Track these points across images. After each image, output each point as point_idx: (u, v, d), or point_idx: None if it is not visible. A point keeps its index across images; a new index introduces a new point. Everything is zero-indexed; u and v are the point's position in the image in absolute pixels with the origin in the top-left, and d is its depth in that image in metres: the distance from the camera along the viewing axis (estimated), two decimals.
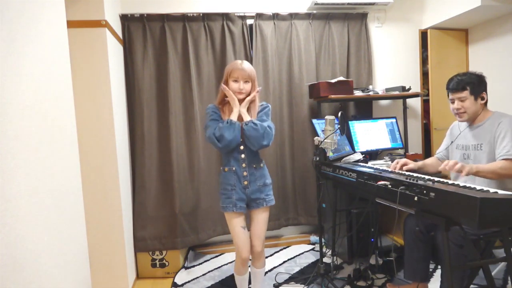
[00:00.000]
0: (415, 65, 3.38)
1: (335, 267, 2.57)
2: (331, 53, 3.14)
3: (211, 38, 2.94)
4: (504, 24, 3.00)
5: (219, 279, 2.63)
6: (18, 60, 1.10)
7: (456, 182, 1.61)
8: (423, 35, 3.35)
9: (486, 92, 1.99)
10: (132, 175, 2.82)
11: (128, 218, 2.62)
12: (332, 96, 2.78)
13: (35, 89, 1.20)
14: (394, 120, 3.14)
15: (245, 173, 1.95)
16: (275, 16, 3.02)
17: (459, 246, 1.76)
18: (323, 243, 2.68)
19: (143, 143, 2.82)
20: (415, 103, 3.38)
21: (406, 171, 2.06)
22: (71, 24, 2.08)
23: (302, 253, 3.04)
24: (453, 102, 2.02)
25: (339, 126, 2.12)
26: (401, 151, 3.15)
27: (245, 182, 1.95)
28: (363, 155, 2.68)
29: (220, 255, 3.08)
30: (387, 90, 3.07)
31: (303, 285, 2.46)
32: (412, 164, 2.09)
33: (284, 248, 3.17)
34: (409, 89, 3.03)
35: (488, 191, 1.41)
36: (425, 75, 3.42)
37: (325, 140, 2.14)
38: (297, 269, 2.74)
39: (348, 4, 3.01)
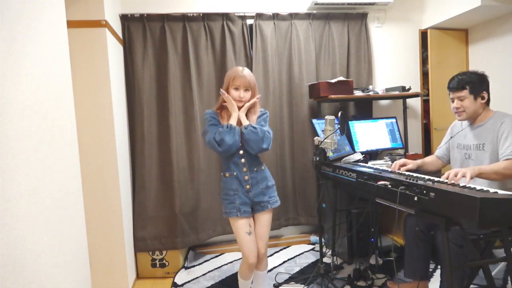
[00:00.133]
0: (415, 65, 3.38)
1: (335, 267, 2.57)
2: (331, 53, 3.14)
3: (211, 38, 2.94)
4: (504, 24, 3.00)
5: (219, 279, 2.63)
6: (18, 60, 1.10)
7: (456, 182, 1.61)
8: (423, 35, 3.35)
9: (488, 92, 1.98)
10: (132, 175, 2.82)
11: (128, 218, 2.62)
12: (332, 96, 2.78)
13: (35, 89, 1.20)
14: (394, 120, 3.14)
15: (246, 177, 1.95)
16: (275, 16, 3.02)
17: (459, 246, 1.76)
18: (323, 243, 2.68)
19: (143, 143, 2.82)
20: (415, 103, 3.38)
21: (406, 171, 2.06)
22: (71, 24, 2.08)
23: (302, 253, 3.04)
24: (453, 101, 2.03)
25: (339, 126, 2.12)
26: (401, 151, 3.15)
27: (247, 186, 1.95)
28: (363, 155, 2.68)
29: (220, 255, 3.08)
30: (387, 90, 3.07)
31: (303, 285, 2.46)
32: (411, 165, 2.08)
33: (284, 248, 3.17)
34: (409, 89, 3.03)
35: (488, 191, 1.41)
36: (425, 75, 3.42)
37: (325, 140, 2.14)
38: (297, 269, 2.74)
39: (348, 4, 3.01)
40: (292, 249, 3.14)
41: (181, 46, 2.89)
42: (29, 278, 1.08)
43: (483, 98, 1.96)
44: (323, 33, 3.13)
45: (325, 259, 2.70)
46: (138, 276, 2.78)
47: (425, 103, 3.44)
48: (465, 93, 1.95)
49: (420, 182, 1.54)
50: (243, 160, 1.95)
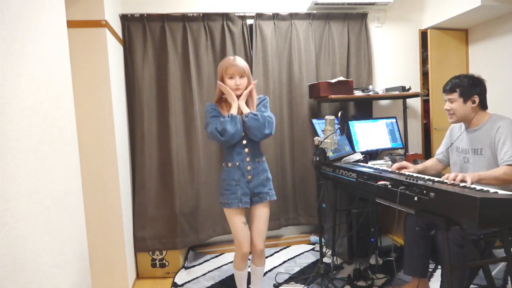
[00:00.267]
0: (415, 65, 3.38)
1: (335, 267, 2.57)
2: (331, 53, 3.14)
3: (211, 38, 2.94)
4: (504, 24, 3.00)
5: (219, 279, 2.63)
6: (18, 60, 1.10)
7: (456, 182, 1.61)
8: (423, 35, 3.35)
9: (481, 96, 1.97)
10: (132, 175, 2.82)
11: (128, 218, 2.62)
12: (332, 96, 2.78)
13: (35, 89, 1.20)
14: (394, 120, 3.14)
15: (249, 167, 1.96)
16: (275, 16, 3.02)
17: (459, 246, 1.76)
18: (323, 243, 2.68)
19: (143, 143, 2.82)
20: (415, 103, 3.38)
21: None
22: (71, 24, 2.07)
23: (302, 253, 3.04)
24: (445, 103, 2.07)
25: (339, 126, 2.12)
26: (401, 151, 3.15)
27: (249, 177, 1.96)
28: (363, 155, 2.68)
29: (220, 255, 3.07)
30: (387, 90, 3.07)
31: (303, 285, 2.46)
32: (412, 169, 2.08)
33: (284, 248, 3.17)
34: (409, 89, 3.03)
35: (488, 191, 1.41)
36: (425, 75, 3.42)
37: (325, 140, 2.14)
38: (297, 269, 2.74)
39: (348, 4, 3.01)
40: (292, 249, 3.14)
41: (181, 46, 2.89)
42: (29, 278, 1.08)
43: (473, 102, 1.96)
44: (323, 33, 3.13)
45: (325, 259, 2.70)
46: (138, 276, 2.78)
47: (425, 103, 3.44)
48: (455, 95, 1.98)
49: (420, 182, 1.54)
50: (246, 150, 1.96)
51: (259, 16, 2.99)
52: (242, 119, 1.91)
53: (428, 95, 3.37)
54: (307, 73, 3.08)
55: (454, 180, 1.63)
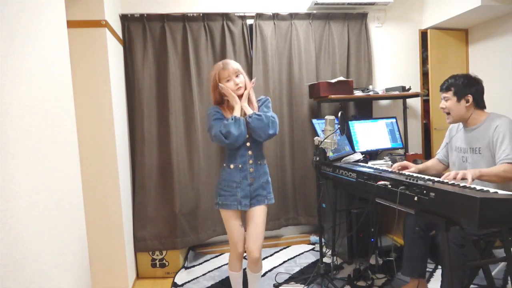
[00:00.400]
0: (415, 65, 3.38)
1: (335, 267, 2.57)
2: (331, 53, 3.14)
3: (211, 38, 2.94)
4: (504, 24, 3.00)
5: (219, 279, 2.63)
6: (18, 60, 1.10)
7: (456, 182, 1.61)
8: (423, 35, 3.35)
9: (476, 95, 1.98)
10: (132, 175, 2.82)
11: (128, 218, 2.62)
12: (332, 96, 2.78)
13: (35, 89, 1.20)
14: (394, 120, 3.14)
15: (251, 170, 1.95)
16: (275, 16, 3.02)
17: (459, 246, 1.76)
18: (323, 243, 2.68)
19: (143, 143, 2.82)
20: (415, 103, 3.38)
21: None
22: (71, 24, 2.07)
23: (302, 253, 3.04)
24: (441, 102, 2.10)
25: (339, 126, 2.12)
26: (401, 151, 3.15)
27: (251, 179, 1.95)
28: (363, 155, 2.68)
29: (220, 255, 3.07)
30: (387, 90, 3.07)
31: (303, 285, 2.46)
32: (413, 168, 2.09)
33: (284, 248, 3.17)
34: (409, 89, 3.03)
35: (488, 191, 1.41)
36: (425, 75, 3.42)
37: (325, 140, 2.14)
38: (297, 269, 2.74)
39: (348, 4, 3.01)
40: (292, 249, 3.14)
41: (181, 46, 2.89)
42: (29, 278, 1.08)
43: (467, 101, 1.98)
44: (323, 33, 3.13)
45: (325, 259, 2.70)
46: (138, 276, 2.78)
47: (425, 103, 3.43)
48: (449, 94, 2.02)
49: (420, 182, 1.54)
50: (250, 152, 1.95)
51: (259, 16, 2.99)
52: (246, 120, 1.90)
53: (428, 95, 3.37)
54: (307, 73, 3.08)
55: (455, 178, 1.64)
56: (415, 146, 3.39)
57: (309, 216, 3.16)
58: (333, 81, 2.82)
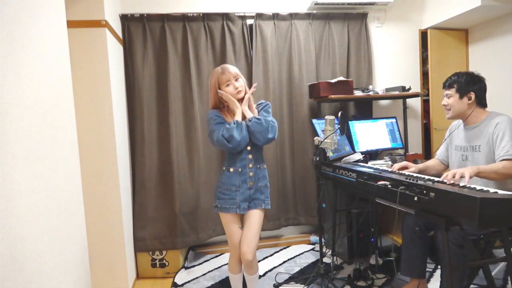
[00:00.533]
0: (415, 65, 3.38)
1: (335, 267, 2.57)
2: (331, 53, 3.14)
3: (211, 38, 2.94)
4: (504, 24, 3.00)
5: (219, 279, 2.63)
6: (18, 60, 1.10)
7: (455, 182, 1.61)
8: (423, 35, 3.35)
9: (478, 93, 1.99)
10: (132, 175, 2.82)
11: (128, 218, 2.62)
12: (332, 96, 2.78)
13: (35, 89, 1.20)
14: (394, 120, 3.14)
15: (251, 174, 1.95)
16: (275, 16, 3.02)
17: (459, 246, 1.76)
18: (323, 243, 2.68)
19: (143, 143, 2.82)
20: (415, 103, 3.38)
21: None
22: (71, 24, 2.07)
23: (302, 253, 3.04)
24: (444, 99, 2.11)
25: (339, 126, 2.12)
26: (401, 151, 3.15)
27: (251, 183, 1.95)
28: (363, 155, 2.68)
29: (220, 255, 3.07)
30: (387, 90, 3.07)
31: (303, 285, 2.46)
32: (413, 168, 2.09)
33: (284, 248, 3.17)
34: (409, 89, 3.03)
35: (488, 191, 1.41)
36: (425, 75, 3.42)
37: (325, 140, 2.14)
38: (297, 269, 2.74)
39: (348, 4, 3.01)
40: (292, 249, 3.14)
41: (181, 46, 2.89)
42: (29, 278, 1.08)
43: (469, 98, 1.99)
44: (323, 33, 3.13)
45: (325, 259, 2.70)
46: (138, 276, 2.78)
47: (425, 103, 3.44)
48: (452, 91, 2.03)
49: (420, 182, 1.54)
50: (250, 156, 1.95)
51: (259, 16, 2.99)
52: (246, 123, 1.91)
53: (428, 95, 3.37)
54: (307, 73, 3.08)
55: (453, 177, 1.64)
56: (415, 146, 3.39)
57: (309, 216, 3.16)
58: (333, 81, 2.82)
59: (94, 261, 2.15)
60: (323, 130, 2.20)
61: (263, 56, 3.02)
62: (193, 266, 2.87)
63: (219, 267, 2.84)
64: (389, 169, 2.06)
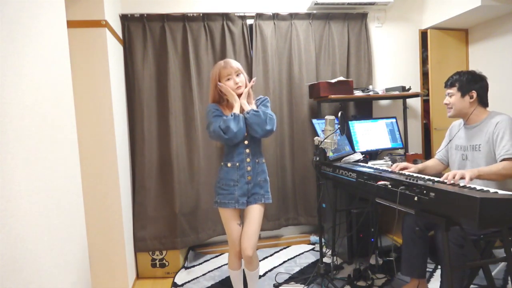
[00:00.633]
0: (415, 65, 3.38)
1: (335, 267, 2.57)
2: (331, 53, 3.14)
3: (211, 38, 2.94)
4: (504, 24, 3.00)
5: (219, 279, 2.63)
6: (18, 60, 1.10)
7: (456, 182, 1.61)
8: (423, 35, 3.35)
9: (480, 91, 1.99)
10: (132, 175, 2.82)
11: (128, 218, 2.62)
12: (332, 96, 2.78)
13: (35, 89, 1.20)
14: (394, 120, 3.14)
15: (249, 168, 1.95)
16: (275, 16, 3.02)
17: (459, 246, 1.76)
18: (323, 243, 2.68)
19: (143, 143, 2.82)
20: (415, 103, 3.38)
21: None
22: (71, 24, 2.07)
23: (302, 253, 3.04)
24: (445, 98, 2.11)
25: (339, 126, 2.12)
26: (401, 151, 3.15)
27: (249, 178, 1.95)
28: (363, 155, 2.68)
29: (220, 255, 3.07)
30: (387, 90, 3.07)
31: (303, 285, 2.46)
32: (413, 168, 2.09)
33: (284, 248, 3.17)
34: (409, 89, 3.03)
35: (488, 191, 1.41)
36: (425, 75, 3.42)
37: (325, 140, 2.14)
38: (297, 269, 2.74)
39: (348, 4, 3.01)
40: (292, 249, 3.14)
41: (181, 46, 2.89)
42: (29, 278, 1.08)
43: (471, 97, 2.00)
44: (323, 33, 3.13)
45: (325, 259, 2.70)
46: (138, 276, 2.78)
47: (425, 103, 3.44)
48: (453, 90, 2.04)
49: (420, 182, 1.54)
50: (247, 150, 1.96)
51: (259, 16, 2.99)
52: (244, 116, 1.92)
53: (428, 95, 3.37)
54: (307, 73, 3.08)
55: (454, 177, 1.64)
56: (415, 146, 3.39)
57: (309, 216, 3.16)
58: (333, 81, 2.82)
59: (94, 261, 2.15)
60: (323, 130, 2.20)
61: (263, 56, 3.02)
62: (193, 266, 2.87)
63: (219, 267, 2.84)
64: (389, 169, 2.06)
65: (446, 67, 3.29)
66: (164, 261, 2.81)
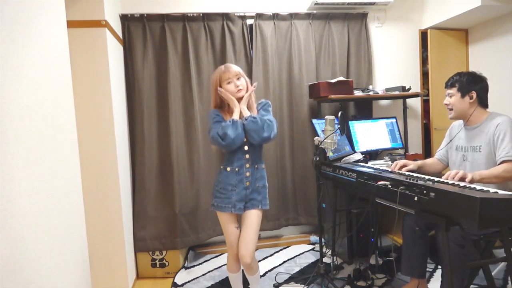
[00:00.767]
0: (415, 65, 3.38)
1: (335, 267, 2.57)
2: (331, 53, 3.14)
3: (211, 38, 2.94)
4: (504, 24, 3.00)
5: (219, 279, 2.63)
6: (18, 60, 1.10)
7: (456, 182, 1.61)
8: (423, 35, 3.35)
9: (480, 92, 1.99)
10: (132, 175, 2.82)
11: (128, 218, 2.62)
12: (332, 96, 2.78)
13: (35, 89, 1.20)
14: (394, 120, 3.14)
15: (248, 174, 1.95)
16: (275, 16, 3.02)
17: (460, 246, 1.76)
18: (323, 243, 2.68)
19: (143, 143, 2.82)
20: (415, 103, 3.38)
21: (407, 171, 2.06)
22: (71, 24, 2.07)
23: (302, 253, 3.04)
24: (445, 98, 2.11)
25: (339, 126, 2.12)
26: (401, 151, 3.15)
27: (247, 183, 1.95)
28: (363, 155, 2.67)
29: (220, 255, 3.07)
30: (387, 90, 3.07)
31: (303, 285, 2.46)
32: (412, 165, 2.09)
33: (284, 248, 3.17)
34: (409, 89, 3.03)
35: (488, 191, 1.41)
36: (425, 75, 3.42)
37: (325, 140, 2.14)
38: (297, 269, 2.74)
39: (348, 4, 3.01)
40: (292, 249, 3.14)
41: (181, 46, 2.89)
42: (29, 278, 1.07)
43: (471, 97, 2.00)
44: (323, 33, 3.13)
45: (325, 259, 2.70)
46: (138, 276, 2.78)
47: (425, 103, 3.44)
48: (453, 90, 2.05)
49: (420, 182, 1.54)
50: (247, 155, 1.95)
51: (259, 16, 2.99)
52: (242, 122, 1.91)
53: (428, 95, 3.37)
54: (307, 73, 3.08)
55: (456, 175, 1.64)
56: (415, 146, 3.39)
57: (309, 216, 3.16)
58: (333, 81, 2.82)
59: (94, 261, 2.15)
60: (323, 130, 2.20)
61: (263, 56, 3.02)
62: (193, 266, 2.87)
63: (219, 267, 2.84)
64: (389, 169, 2.06)
65: (446, 67, 3.29)
66: (164, 261, 2.81)
